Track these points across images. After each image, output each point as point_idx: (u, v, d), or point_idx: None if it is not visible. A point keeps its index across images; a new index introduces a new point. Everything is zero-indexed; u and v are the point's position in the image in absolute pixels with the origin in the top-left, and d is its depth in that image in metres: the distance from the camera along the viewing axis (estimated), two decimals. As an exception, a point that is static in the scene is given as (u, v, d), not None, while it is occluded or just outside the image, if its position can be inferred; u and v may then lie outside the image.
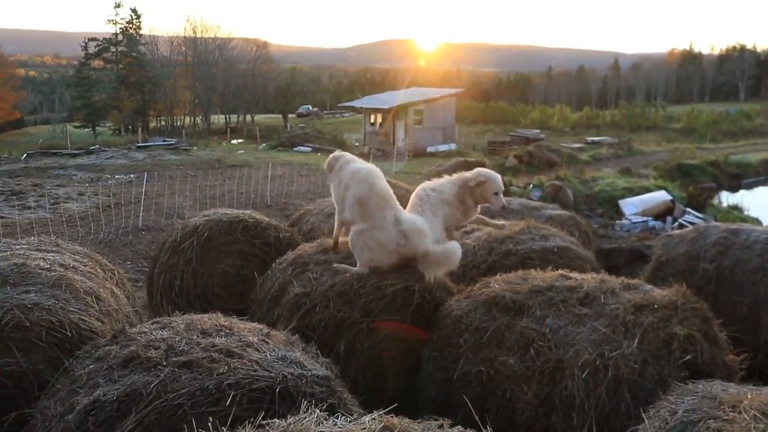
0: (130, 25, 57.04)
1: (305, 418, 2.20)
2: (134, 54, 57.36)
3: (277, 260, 5.07)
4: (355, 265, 4.36)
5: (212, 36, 61.57)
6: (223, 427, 2.37)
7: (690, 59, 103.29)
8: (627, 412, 3.12)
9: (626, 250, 10.13)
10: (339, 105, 59.11)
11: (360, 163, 4.64)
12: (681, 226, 11.81)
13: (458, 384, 3.64)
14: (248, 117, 64.50)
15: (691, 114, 58.29)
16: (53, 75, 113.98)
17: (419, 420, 2.27)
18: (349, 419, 2.19)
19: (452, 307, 3.98)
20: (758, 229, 5.48)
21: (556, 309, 3.62)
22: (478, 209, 4.97)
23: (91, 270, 4.34)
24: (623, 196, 15.69)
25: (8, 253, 4.14)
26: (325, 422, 2.18)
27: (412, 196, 4.90)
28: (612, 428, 3.14)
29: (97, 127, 55.61)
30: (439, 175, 5.37)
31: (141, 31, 58.51)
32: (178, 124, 59.92)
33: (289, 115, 62.11)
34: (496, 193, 4.78)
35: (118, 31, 56.72)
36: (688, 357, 3.34)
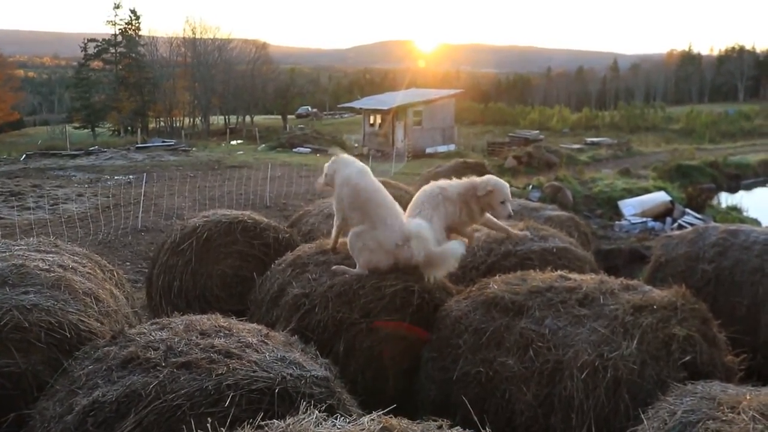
0: (130, 26, 56.99)
1: (304, 418, 2.20)
2: (133, 55, 57.33)
3: (276, 261, 5.06)
4: (354, 267, 4.36)
5: (211, 37, 61.64)
6: (222, 428, 2.37)
7: (689, 60, 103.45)
8: (626, 412, 3.12)
9: (625, 251, 10.13)
10: (338, 106, 59.16)
11: (358, 165, 4.64)
12: (680, 227, 11.82)
13: (457, 385, 3.64)
14: (247, 118, 64.48)
15: (690, 115, 58.37)
16: (52, 76, 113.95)
17: (418, 421, 2.27)
18: (348, 420, 2.19)
19: (451, 308, 3.98)
20: (757, 230, 5.48)
21: (555, 310, 3.62)
22: (486, 215, 4.99)
23: (90, 271, 4.33)
24: (622, 197, 15.69)
25: (7, 254, 4.13)
26: (324, 423, 2.18)
27: (419, 191, 4.94)
28: (611, 429, 3.14)
29: (96, 128, 55.56)
30: (437, 175, 5.39)
31: (140, 32, 58.48)
32: (178, 125, 59.85)
33: (289, 116, 62.11)
34: (502, 202, 4.82)
35: (118, 32, 56.65)
36: (687, 358, 3.35)
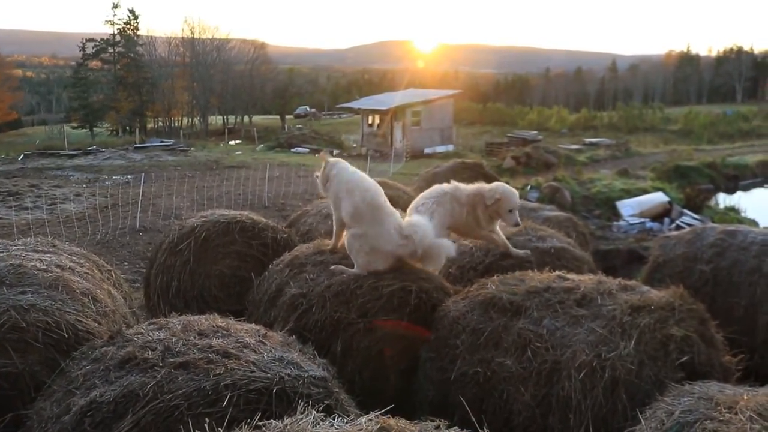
0: (128, 26, 56.92)
1: (302, 419, 2.20)
2: (132, 55, 57.27)
3: (274, 261, 5.06)
4: (352, 266, 4.36)
5: (210, 37, 61.69)
6: (219, 428, 2.37)
7: (687, 61, 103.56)
8: (624, 413, 3.13)
9: (623, 252, 10.13)
10: (337, 106, 59.12)
11: (354, 169, 4.64)
12: (678, 227, 11.83)
13: (455, 385, 3.64)
14: (246, 118, 64.48)
15: (688, 115, 58.39)
16: (51, 76, 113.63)
17: (416, 421, 2.27)
18: (345, 420, 2.19)
19: (449, 308, 3.98)
20: (755, 231, 5.50)
21: (553, 310, 3.62)
22: (496, 223, 4.99)
23: (88, 271, 4.33)
24: (620, 198, 15.70)
25: (5, 254, 4.13)
26: (321, 423, 2.18)
27: (432, 187, 5.00)
28: (609, 429, 3.14)
29: (94, 128, 55.47)
30: (436, 176, 5.41)
31: (139, 32, 58.42)
32: (176, 125, 59.82)
33: (287, 116, 62.12)
34: (510, 211, 4.82)
35: (116, 32, 56.60)
36: (684, 358, 3.35)
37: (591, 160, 30.43)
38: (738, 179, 25.48)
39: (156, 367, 2.78)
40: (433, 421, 2.26)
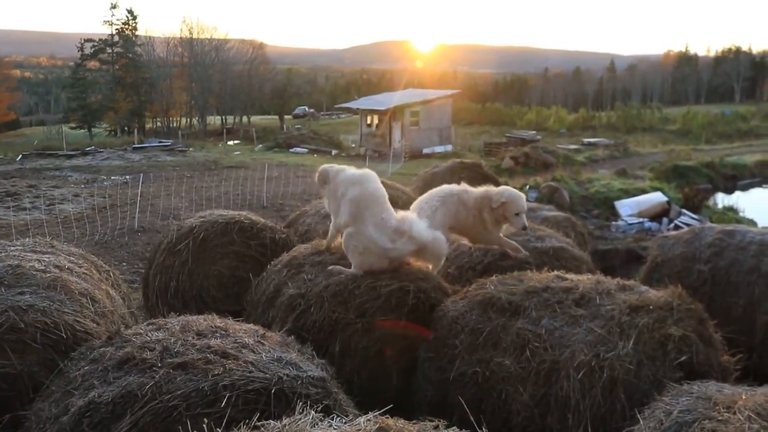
0: (126, 26, 56.85)
1: (300, 419, 2.20)
2: (130, 55, 57.20)
3: (272, 261, 5.06)
4: (350, 267, 4.36)
5: (208, 37, 61.58)
6: (218, 429, 2.37)
7: (686, 61, 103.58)
8: (622, 412, 3.13)
9: (622, 252, 10.15)
10: (335, 106, 59.06)
11: (353, 170, 4.65)
12: (676, 227, 11.85)
13: (454, 385, 3.64)
14: (244, 118, 64.41)
15: (686, 115, 58.43)
16: (49, 76, 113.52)
17: (415, 421, 2.27)
18: (344, 420, 2.19)
19: (448, 308, 3.99)
20: (753, 231, 5.50)
21: (551, 310, 3.63)
22: (503, 227, 4.99)
23: (86, 271, 4.32)
24: (619, 198, 15.73)
25: (3, 254, 4.13)
26: (320, 423, 2.18)
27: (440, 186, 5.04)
28: (607, 429, 3.14)
29: (92, 129, 55.41)
30: (434, 176, 5.41)
31: (137, 32, 58.39)
32: (175, 125, 59.77)
33: (286, 117, 62.06)
34: (517, 214, 4.82)
35: (114, 32, 56.54)
36: (683, 358, 3.35)
37: (589, 160, 30.45)
38: (736, 179, 25.52)
39: (154, 368, 2.78)
40: (431, 421, 2.26)
